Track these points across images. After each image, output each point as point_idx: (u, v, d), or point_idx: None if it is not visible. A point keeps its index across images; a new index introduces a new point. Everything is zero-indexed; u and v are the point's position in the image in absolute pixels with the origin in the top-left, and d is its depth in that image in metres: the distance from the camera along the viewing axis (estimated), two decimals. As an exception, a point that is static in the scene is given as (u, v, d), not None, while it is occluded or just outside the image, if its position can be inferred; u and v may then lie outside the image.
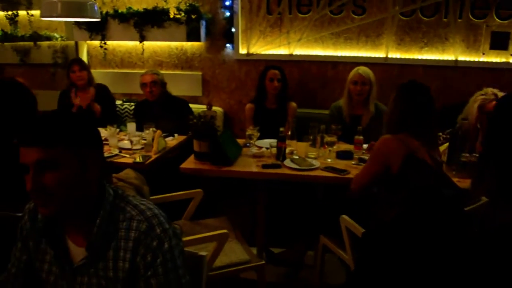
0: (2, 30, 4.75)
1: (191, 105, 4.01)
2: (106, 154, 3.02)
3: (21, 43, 4.71)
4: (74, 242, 1.27)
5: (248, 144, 3.20)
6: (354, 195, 2.50)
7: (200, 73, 4.55)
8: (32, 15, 4.64)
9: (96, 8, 3.23)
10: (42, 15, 3.09)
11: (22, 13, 4.68)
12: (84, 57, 4.64)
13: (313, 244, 3.00)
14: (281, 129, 2.96)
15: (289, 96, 3.90)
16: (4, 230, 1.92)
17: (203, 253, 1.58)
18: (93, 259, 1.24)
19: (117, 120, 4.09)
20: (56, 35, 4.67)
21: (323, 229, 2.74)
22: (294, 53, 4.32)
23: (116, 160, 2.95)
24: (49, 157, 1.11)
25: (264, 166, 2.82)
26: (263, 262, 2.41)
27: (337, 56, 4.27)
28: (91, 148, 1.21)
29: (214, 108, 3.51)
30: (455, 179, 2.52)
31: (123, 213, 1.25)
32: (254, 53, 4.37)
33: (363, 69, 3.52)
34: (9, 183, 2.16)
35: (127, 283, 1.23)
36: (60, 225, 1.28)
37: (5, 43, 4.72)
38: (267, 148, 3.12)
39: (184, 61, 4.56)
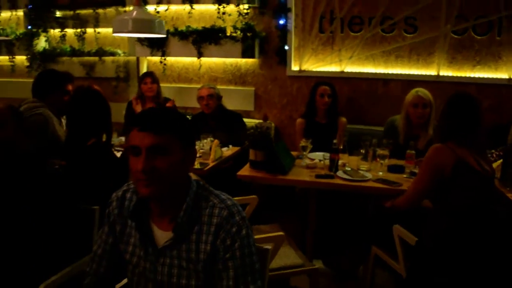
0: (71, 46, 5.14)
1: (243, 119, 4.18)
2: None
3: (88, 58, 5.08)
4: (159, 227, 1.42)
5: (301, 156, 3.31)
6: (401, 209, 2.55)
7: (253, 88, 4.73)
8: (98, 32, 5.02)
9: (163, 25, 3.47)
10: (114, 31, 3.35)
11: (89, 30, 5.06)
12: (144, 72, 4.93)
13: (364, 257, 3.05)
14: (335, 141, 3.06)
15: (339, 112, 3.99)
16: (82, 221, 2.13)
17: (267, 246, 1.69)
18: (177, 241, 1.37)
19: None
20: (119, 51, 5.00)
21: (374, 240, 2.79)
22: (345, 70, 4.42)
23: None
24: (161, 143, 1.27)
25: (318, 176, 2.92)
26: (317, 266, 2.49)
27: (388, 74, 4.33)
28: (191, 143, 1.40)
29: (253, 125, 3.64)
30: (509, 195, 2.54)
31: (205, 201, 1.39)
32: (306, 69, 4.51)
33: (422, 91, 3.39)
34: (82, 180, 2.38)
35: (207, 264, 1.36)
36: (147, 211, 1.43)
37: (73, 58, 5.10)
38: (320, 160, 3.22)
39: (238, 77, 4.76)
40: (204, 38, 4.53)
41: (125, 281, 1.66)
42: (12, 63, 5.47)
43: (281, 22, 4.47)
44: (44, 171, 1.97)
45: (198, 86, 4.20)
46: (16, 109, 1.95)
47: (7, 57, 5.47)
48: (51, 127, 2.86)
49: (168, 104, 4.21)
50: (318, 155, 3.34)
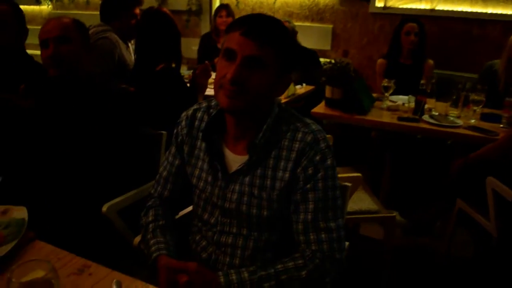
0: (144, -23, 5.00)
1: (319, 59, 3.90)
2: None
3: (160, -11, 4.93)
4: (232, 150, 1.26)
5: (381, 98, 3.02)
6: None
7: (331, 26, 4.39)
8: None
9: None
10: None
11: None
12: (217, 5, 4.71)
13: (444, 213, 2.77)
14: (422, 81, 2.73)
15: (426, 53, 3.59)
16: (149, 146, 2.03)
17: (347, 183, 1.50)
18: (252, 166, 1.21)
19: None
20: (192, -17, 4.80)
21: (460, 193, 2.50)
22: (436, 8, 3.95)
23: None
24: (263, 56, 1.10)
25: (400, 119, 2.64)
26: (395, 214, 2.27)
27: (486, 14, 3.82)
28: (289, 69, 1.20)
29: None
30: None
31: (287, 125, 1.21)
32: (392, 6, 4.08)
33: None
34: (151, 105, 2.27)
35: (283, 193, 1.19)
36: (220, 132, 1.28)
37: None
38: (403, 104, 2.91)
39: (315, 13, 4.42)
40: (283, -32, 4.21)
41: (189, 209, 1.54)
42: (86, -4, 5.47)
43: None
44: (111, 92, 1.86)
45: (272, 21, 3.93)
46: (81, 24, 1.82)
47: (83, -11, 5.48)
48: (118, 52, 2.77)
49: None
50: (401, 98, 3.03)
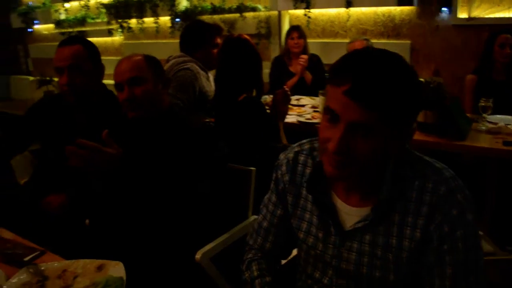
0: (212, 4, 5.02)
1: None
2: (317, 121, 2.90)
3: (228, 15, 4.92)
4: (346, 201, 1.09)
5: (477, 120, 2.74)
6: None
7: (408, 41, 4.14)
8: (239, -13, 4.81)
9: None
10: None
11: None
12: (286, 27, 4.62)
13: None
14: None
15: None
16: (237, 183, 1.91)
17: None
18: (374, 223, 1.04)
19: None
20: (260, 6, 4.75)
21: None
22: (529, 16, 3.61)
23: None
24: (371, 122, 0.89)
25: (506, 143, 2.36)
26: (513, 256, 2.00)
27: None
28: (411, 121, 0.97)
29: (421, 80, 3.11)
30: None
31: (412, 171, 1.02)
32: (477, 17, 3.77)
33: None
34: (233, 137, 2.17)
35: (413, 254, 1.01)
36: (327, 179, 1.11)
37: (214, 15, 4.98)
38: (506, 125, 2.62)
39: (391, 29, 4.20)
40: (355, -16, 4.04)
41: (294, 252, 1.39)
42: (156, 25, 5.57)
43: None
44: (195, 128, 1.77)
45: (344, 40, 3.78)
46: (153, 59, 1.74)
47: (152, 19, 5.58)
48: (199, 83, 2.72)
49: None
50: (502, 119, 2.74)
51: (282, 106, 2.39)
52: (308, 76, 3.84)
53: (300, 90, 3.76)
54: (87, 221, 1.93)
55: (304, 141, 1.22)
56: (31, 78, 7.16)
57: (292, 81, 3.82)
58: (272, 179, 1.26)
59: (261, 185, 1.83)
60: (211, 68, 2.87)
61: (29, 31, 7.47)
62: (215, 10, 4.99)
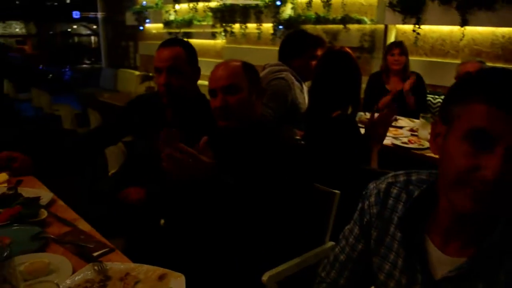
0: (316, 13, 4.93)
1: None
2: (415, 146, 2.66)
3: (332, 26, 4.79)
4: (440, 247, 0.92)
5: None
6: None
7: (530, 68, 3.70)
8: (347, -2, 4.66)
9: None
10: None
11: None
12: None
13: None
14: None
15: None
16: (316, 205, 1.78)
17: None
18: (472, 276, 0.86)
19: (427, 111, 3.67)
20: (365, 18, 4.55)
21: None
22: None
23: (427, 154, 2.55)
24: None
25: None
26: None
27: None
28: None
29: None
30: None
31: None
32: None
33: None
34: (321, 155, 2.04)
35: None
36: (423, 219, 0.95)
37: (317, 26, 4.88)
38: None
39: (509, 52, 3.78)
40: (473, 2, 3.68)
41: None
42: (259, 31, 5.60)
43: None
44: (284, 141, 1.67)
45: (455, 61, 3.47)
46: (251, 68, 1.66)
47: (255, 25, 5.62)
48: (292, 94, 2.62)
49: (408, 81, 3.55)
50: None
51: (381, 129, 2.20)
52: (411, 99, 3.57)
53: (400, 109, 3.51)
54: (162, 221, 1.92)
55: (400, 172, 1.06)
56: (137, 72, 7.59)
57: (385, 99, 3.58)
58: (357, 208, 1.12)
59: (343, 211, 1.69)
60: (307, 80, 2.78)
61: (140, 29, 7.94)
62: (318, 20, 4.88)
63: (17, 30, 19.91)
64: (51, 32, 19.68)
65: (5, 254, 1.02)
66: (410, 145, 2.68)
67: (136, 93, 6.48)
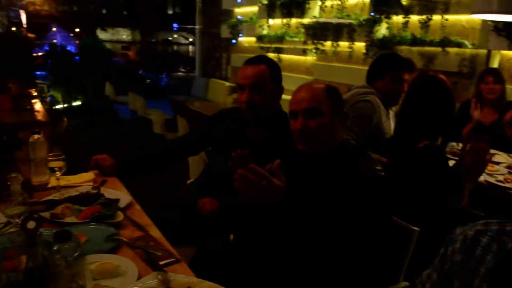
0: (412, 34, 4.72)
1: None
2: (510, 185, 2.42)
3: (429, 48, 4.55)
4: None
5: None
6: None
7: None
8: (446, 19, 4.41)
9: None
10: (473, 11, 2.71)
11: (436, 17, 4.51)
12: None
13: None
14: None
15: None
16: (392, 240, 1.66)
17: None
18: None
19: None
20: (466, 42, 4.27)
21: None
22: None
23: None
24: None
25: None
26: None
27: None
28: None
29: None
30: None
31: None
32: None
33: None
34: (403, 187, 1.92)
35: None
36: None
37: (413, 47, 4.67)
38: None
39: None
40: None
41: None
42: (350, 49, 5.49)
43: None
44: (365, 173, 1.58)
45: None
46: (335, 91, 1.60)
47: (347, 43, 5.52)
48: (377, 117, 2.51)
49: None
50: None
51: (478, 165, 1.95)
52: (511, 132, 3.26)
53: (497, 143, 3.21)
54: (231, 236, 1.91)
55: (493, 220, 0.94)
56: (227, 83, 7.81)
57: (467, 128, 3.26)
58: (438, 253, 1.02)
59: (422, 250, 1.56)
60: (393, 105, 2.65)
61: (233, 42, 8.17)
62: (415, 41, 4.67)
63: (123, 36, 21.51)
64: (153, 40, 21.01)
65: (77, 253, 1.07)
66: (506, 185, 2.43)
67: (225, 104, 6.68)
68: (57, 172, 1.92)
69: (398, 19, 4.91)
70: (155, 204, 2.21)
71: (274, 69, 2.02)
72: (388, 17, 5.01)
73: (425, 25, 4.59)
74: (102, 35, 16.91)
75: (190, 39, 20.22)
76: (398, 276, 1.61)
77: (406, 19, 4.78)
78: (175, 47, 22.27)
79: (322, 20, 5.82)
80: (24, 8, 12.67)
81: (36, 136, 2.06)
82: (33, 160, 2.05)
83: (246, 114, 2.00)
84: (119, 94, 8.75)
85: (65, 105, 8.93)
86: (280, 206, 1.42)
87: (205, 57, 10.11)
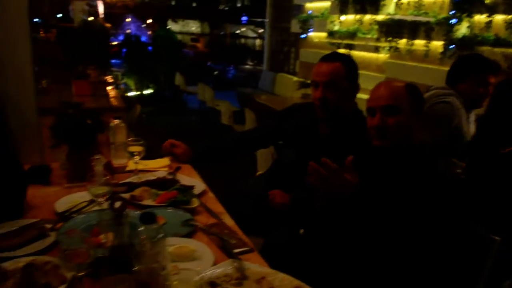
0: (496, 35, 4.46)
1: None
2: None
3: (512, 49, 4.29)
4: None
5: None
6: None
7: None
8: (535, 20, 4.13)
9: None
10: None
11: (524, 17, 4.23)
12: None
13: None
14: None
15: None
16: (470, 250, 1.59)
17: None
18: None
19: None
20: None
21: None
22: None
23: None
24: None
25: None
26: None
27: None
28: None
29: None
30: None
31: None
32: None
33: None
34: (483, 194, 1.83)
35: None
36: None
37: (495, 48, 4.41)
38: None
39: None
40: None
41: None
42: (426, 48, 5.28)
43: None
44: (443, 174, 1.53)
45: None
46: (415, 90, 1.56)
47: (423, 42, 5.32)
48: (457, 120, 2.40)
49: None
50: None
51: None
52: None
53: None
54: (301, 230, 1.91)
55: None
56: (295, 78, 7.78)
57: None
58: None
59: (503, 259, 1.49)
60: (474, 108, 2.53)
61: (303, 37, 8.12)
62: (498, 42, 4.40)
63: (193, 28, 22.07)
64: (221, 33, 21.38)
65: (161, 235, 1.11)
66: None
67: (292, 98, 6.66)
68: (136, 156, 2.01)
69: (480, 18, 4.65)
70: (224, 193, 2.25)
71: (350, 66, 1.99)
72: (470, 16, 4.76)
73: (510, 25, 4.32)
74: (173, 26, 17.43)
75: (258, 32, 20.34)
76: (477, 285, 1.53)
77: (490, 18, 4.52)
78: (243, 40, 22.52)
79: (397, 17, 5.64)
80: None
81: (116, 121, 2.16)
82: (113, 143, 2.16)
83: (319, 111, 1.99)
84: (188, 85, 9.00)
85: (137, 93, 9.30)
86: (351, 201, 1.43)
87: (274, 51, 10.13)
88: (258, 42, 21.06)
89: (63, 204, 1.71)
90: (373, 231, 1.48)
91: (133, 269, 1.05)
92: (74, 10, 9.37)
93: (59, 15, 14.95)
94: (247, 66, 17.26)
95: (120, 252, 1.13)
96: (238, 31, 22.73)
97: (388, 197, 1.47)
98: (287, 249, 1.81)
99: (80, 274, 1.14)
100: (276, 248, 1.82)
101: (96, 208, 1.63)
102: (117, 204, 1.20)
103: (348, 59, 2.01)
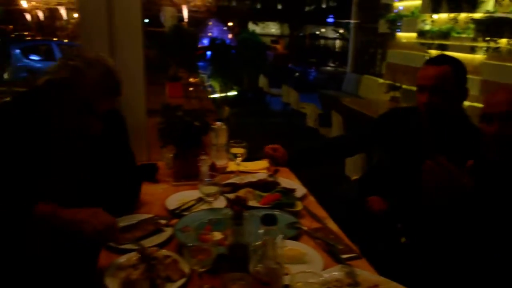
0: None
1: None
2: None
3: None
4: None
5: None
6: None
7: None
8: None
9: None
10: None
11: None
12: None
13: None
14: None
15: None
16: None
17: None
18: None
19: None
20: None
21: None
22: None
23: None
24: None
25: None
26: None
27: None
28: None
29: None
30: None
31: None
32: None
33: None
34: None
35: None
36: None
37: None
38: None
39: None
40: None
41: None
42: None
43: None
44: None
45: None
46: None
47: (505, 40, 4.97)
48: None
49: None
50: None
51: None
52: None
53: None
54: (403, 239, 1.87)
55: None
56: (381, 80, 7.56)
57: None
58: None
59: None
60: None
61: (392, 37, 7.87)
62: None
63: (272, 30, 22.25)
64: (301, 34, 21.34)
65: (280, 236, 1.14)
66: None
67: (379, 101, 6.49)
68: (239, 158, 2.07)
69: None
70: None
71: (459, 70, 1.90)
72: None
73: None
74: (253, 28, 17.74)
75: (339, 32, 20.05)
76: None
77: None
78: (322, 41, 22.32)
79: (497, 15, 5.29)
80: (186, 3, 13.81)
81: (218, 123, 2.25)
82: (215, 145, 2.25)
83: (424, 116, 1.92)
84: (272, 87, 9.10)
85: (222, 95, 9.57)
86: (462, 204, 1.38)
87: (358, 52, 9.94)
88: (338, 42, 20.77)
89: (173, 201, 1.81)
90: (484, 237, 1.42)
91: (254, 268, 1.09)
92: (165, 15, 9.83)
93: (146, 20, 15.77)
94: (328, 68, 17.06)
95: (238, 251, 1.19)
96: (317, 32, 22.56)
97: (505, 207, 1.40)
98: (387, 257, 1.77)
99: (202, 270, 1.20)
100: (375, 256, 1.80)
101: (205, 206, 1.72)
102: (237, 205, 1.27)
103: (456, 62, 1.93)
